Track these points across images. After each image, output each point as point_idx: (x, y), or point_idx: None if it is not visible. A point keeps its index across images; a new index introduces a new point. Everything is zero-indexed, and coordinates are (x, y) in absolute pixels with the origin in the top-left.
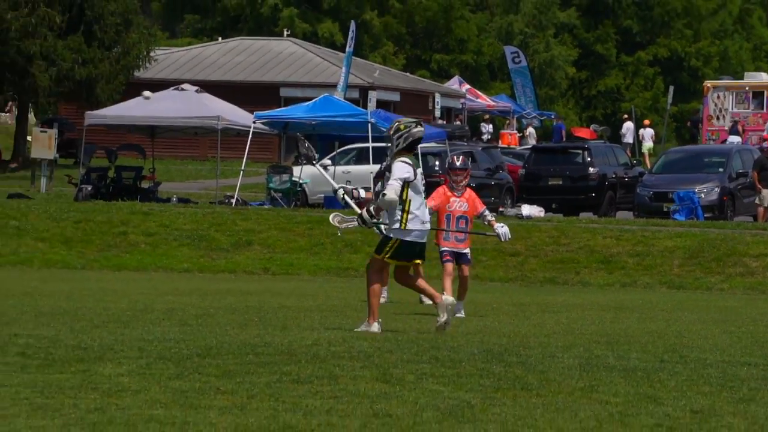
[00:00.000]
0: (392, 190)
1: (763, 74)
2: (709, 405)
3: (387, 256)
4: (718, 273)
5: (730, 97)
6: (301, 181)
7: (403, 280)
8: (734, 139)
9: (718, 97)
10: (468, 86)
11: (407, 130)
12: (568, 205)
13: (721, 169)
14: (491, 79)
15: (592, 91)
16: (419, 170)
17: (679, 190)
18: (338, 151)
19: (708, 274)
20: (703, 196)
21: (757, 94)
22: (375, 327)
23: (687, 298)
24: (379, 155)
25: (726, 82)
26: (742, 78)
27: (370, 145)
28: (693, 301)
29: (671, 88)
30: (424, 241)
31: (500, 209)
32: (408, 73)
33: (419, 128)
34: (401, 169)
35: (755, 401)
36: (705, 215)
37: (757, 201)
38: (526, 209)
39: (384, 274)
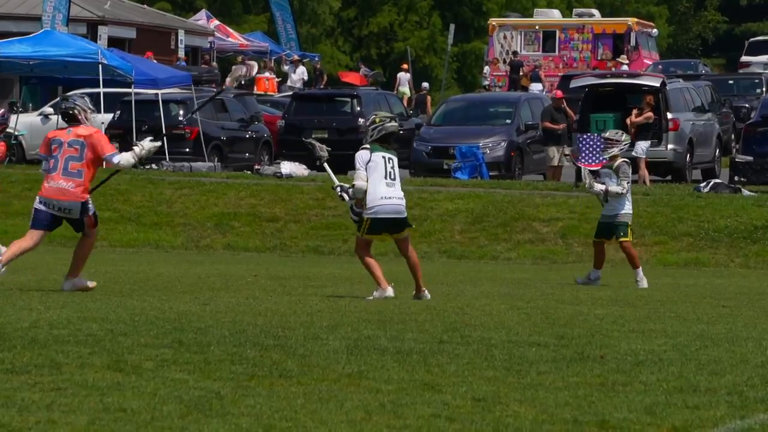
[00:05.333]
0: (358, 179)
1: (555, 11)
2: (492, 392)
3: (363, 233)
4: (504, 240)
5: (518, 37)
6: (16, 133)
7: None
8: (536, 87)
9: (505, 37)
10: (217, 22)
11: (381, 123)
12: (334, 162)
13: (508, 121)
14: (245, 11)
15: (364, 31)
16: (382, 154)
17: (461, 144)
18: (62, 96)
19: (493, 242)
20: (488, 151)
21: (549, 35)
22: (389, 291)
23: (470, 269)
24: (112, 102)
25: (513, 20)
26: (531, 15)
27: (101, 90)
28: (476, 273)
29: (452, 27)
30: (392, 216)
31: (256, 167)
32: (145, 6)
33: (393, 123)
34: (357, 159)
35: (544, 387)
36: (490, 174)
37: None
38: (287, 167)
39: (367, 249)
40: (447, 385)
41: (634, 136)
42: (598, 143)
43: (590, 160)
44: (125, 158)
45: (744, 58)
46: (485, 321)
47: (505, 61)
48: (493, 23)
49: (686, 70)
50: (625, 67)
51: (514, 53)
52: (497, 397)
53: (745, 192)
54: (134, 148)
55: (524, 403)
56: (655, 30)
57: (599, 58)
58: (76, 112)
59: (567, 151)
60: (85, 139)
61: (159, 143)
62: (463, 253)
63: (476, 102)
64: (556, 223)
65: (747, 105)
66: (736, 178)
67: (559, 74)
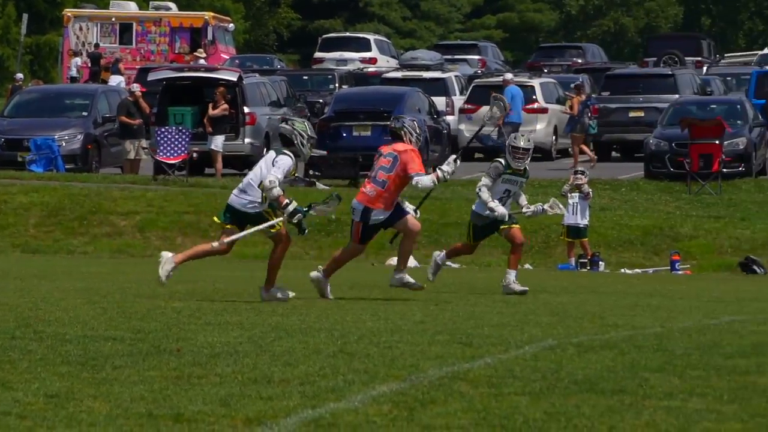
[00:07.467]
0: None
1: (132, 4)
2: (66, 387)
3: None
4: (81, 234)
5: (95, 28)
6: None
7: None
8: (116, 80)
9: (81, 28)
10: None
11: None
12: None
13: (85, 113)
14: None
15: None
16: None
17: (36, 136)
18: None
19: (69, 236)
20: (64, 144)
21: (126, 27)
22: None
23: (45, 264)
24: None
25: (89, 11)
26: (108, 7)
27: None
28: (52, 267)
29: (25, 16)
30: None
31: None
32: None
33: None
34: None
35: (119, 381)
36: (66, 166)
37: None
38: None
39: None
40: (19, 381)
41: (210, 129)
42: (176, 136)
43: (169, 153)
44: (424, 181)
45: (318, 54)
46: (60, 316)
47: (81, 53)
48: (68, 14)
49: (262, 65)
50: (202, 61)
51: (96, 45)
52: (71, 393)
53: (320, 185)
54: (438, 171)
55: (98, 398)
56: (231, 25)
57: (177, 51)
58: (402, 133)
59: (145, 144)
60: (399, 154)
61: (457, 162)
62: (38, 248)
63: (52, 94)
64: (134, 217)
65: (321, 100)
66: (311, 172)
67: (137, 67)
